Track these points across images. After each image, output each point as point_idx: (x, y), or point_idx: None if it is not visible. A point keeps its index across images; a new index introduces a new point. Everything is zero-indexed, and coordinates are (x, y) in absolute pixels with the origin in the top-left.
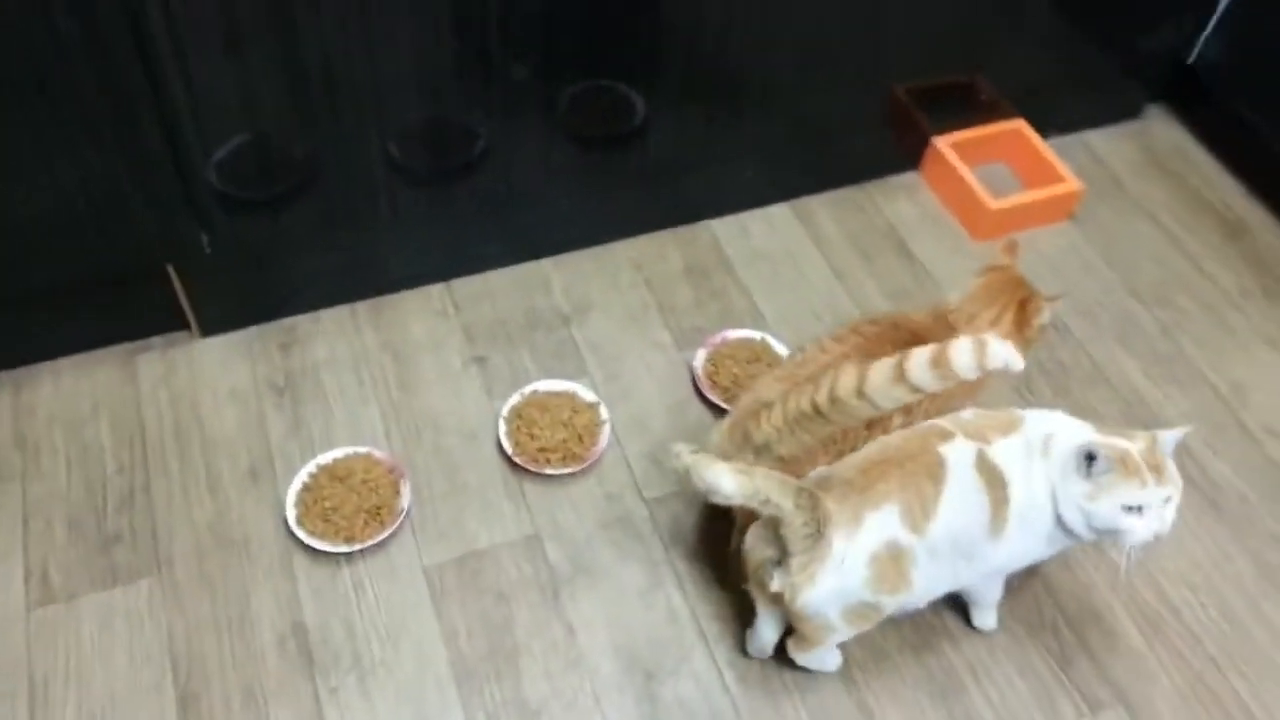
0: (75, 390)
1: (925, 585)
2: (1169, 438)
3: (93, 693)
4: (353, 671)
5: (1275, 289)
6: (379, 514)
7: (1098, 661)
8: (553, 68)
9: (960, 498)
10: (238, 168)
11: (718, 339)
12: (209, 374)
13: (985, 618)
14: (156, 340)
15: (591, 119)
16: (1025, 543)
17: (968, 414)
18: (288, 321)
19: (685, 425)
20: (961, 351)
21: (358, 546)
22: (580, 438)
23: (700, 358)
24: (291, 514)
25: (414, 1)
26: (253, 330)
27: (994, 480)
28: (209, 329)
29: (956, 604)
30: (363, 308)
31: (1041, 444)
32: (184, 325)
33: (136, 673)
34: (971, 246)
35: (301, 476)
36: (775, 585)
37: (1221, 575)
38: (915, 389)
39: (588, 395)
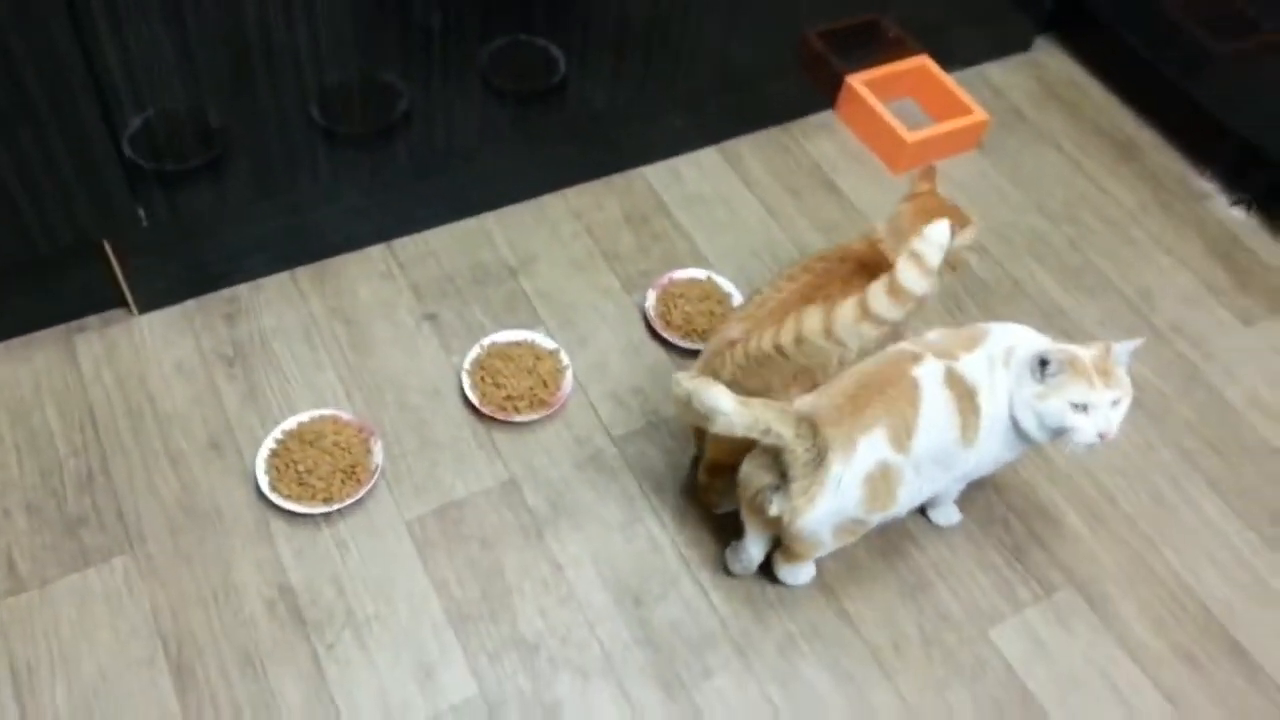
0: (14, 376)
1: (908, 498)
2: (1122, 348)
3: (81, 674)
4: (347, 627)
5: (1169, 202)
6: (354, 473)
7: (1048, 549)
8: (470, 23)
9: (935, 414)
10: (166, 138)
11: (665, 280)
12: (153, 350)
13: (948, 513)
14: (93, 320)
15: (515, 74)
16: (994, 448)
17: (934, 335)
18: (228, 292)
19: (643, 365)
20: (906, 270)
21: (337, 506)
22: (545, 383)
23: (651, 299)
24: (264, 480)
25: None
26: (192, 304)
27: (963, 393)
28: (147, 305)
29: (918, 509)
30: (304, 273)
31: (1004, 356)
32: (121, 302)
33: (125, 649)
34: (891, 179)
35: (268, 443)
36: (774, 510)
37: (1147, 462)
38: (880, 320)
39: (546, 343)
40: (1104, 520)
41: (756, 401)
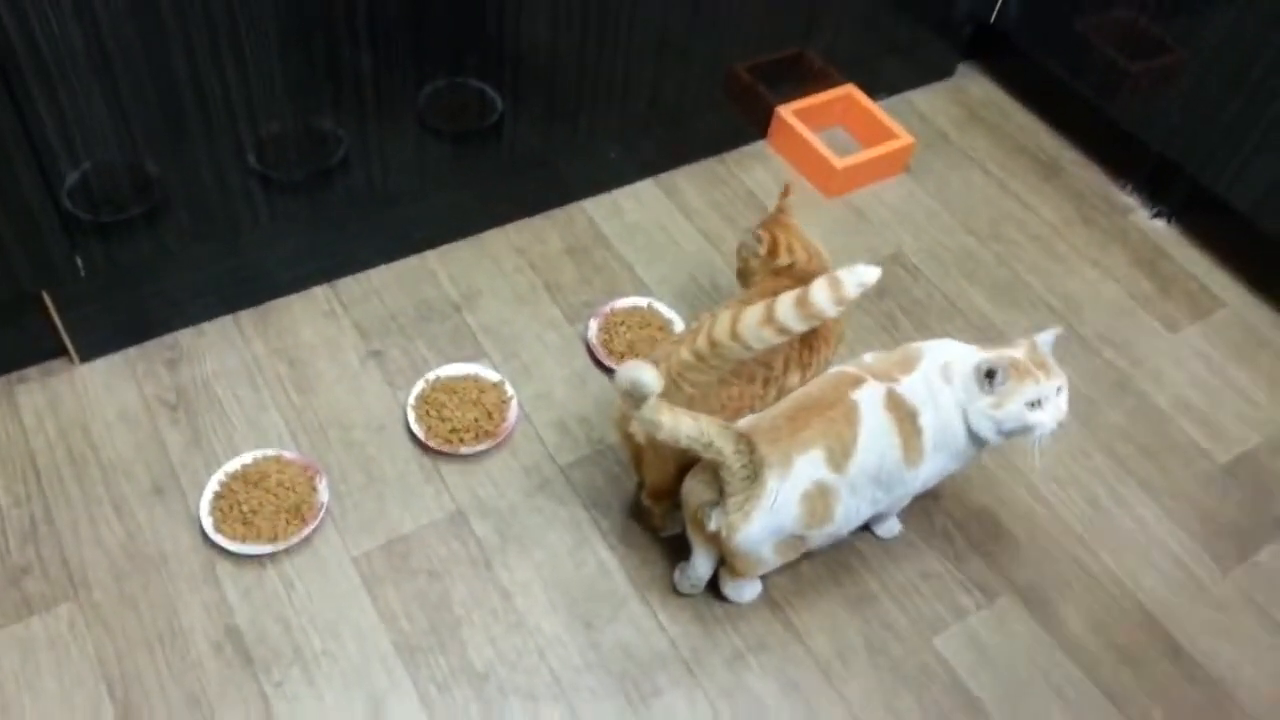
0: None
1: (846, 517)
2: (1044, 338)
3: None
4: (295, 664)
5: (1093, 216)
6: (299, 511)
7: (988, 557)
8: (404, 66)
9: (875, 437)
10: (103, 189)
11: (606, 309)
12: (95, 399)
13: (890, 526)
14: (33, 370)
15: (451, 115)
16: (941, 463)
17: (869, 357)
18: (169, 338)
19: (588, 393)
20: (820, 290)
21: (283, 545)
22: (490, 415)
23: (593, 328)
24: (208, 522)
25: (256, 14)
26: (134, 350)
27: (904, 415)
28: (88, 354)
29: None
30: (246, 316)
31: (941, 373)
32: (62, 352)
33: (69, 698)
34: (825, 203)
35: (212, 485)
36: (712, 525)
37: (1082, 469)
38: (782, 329)
39: (491, 375)
40: (1042, 526)
41: (703, 415)
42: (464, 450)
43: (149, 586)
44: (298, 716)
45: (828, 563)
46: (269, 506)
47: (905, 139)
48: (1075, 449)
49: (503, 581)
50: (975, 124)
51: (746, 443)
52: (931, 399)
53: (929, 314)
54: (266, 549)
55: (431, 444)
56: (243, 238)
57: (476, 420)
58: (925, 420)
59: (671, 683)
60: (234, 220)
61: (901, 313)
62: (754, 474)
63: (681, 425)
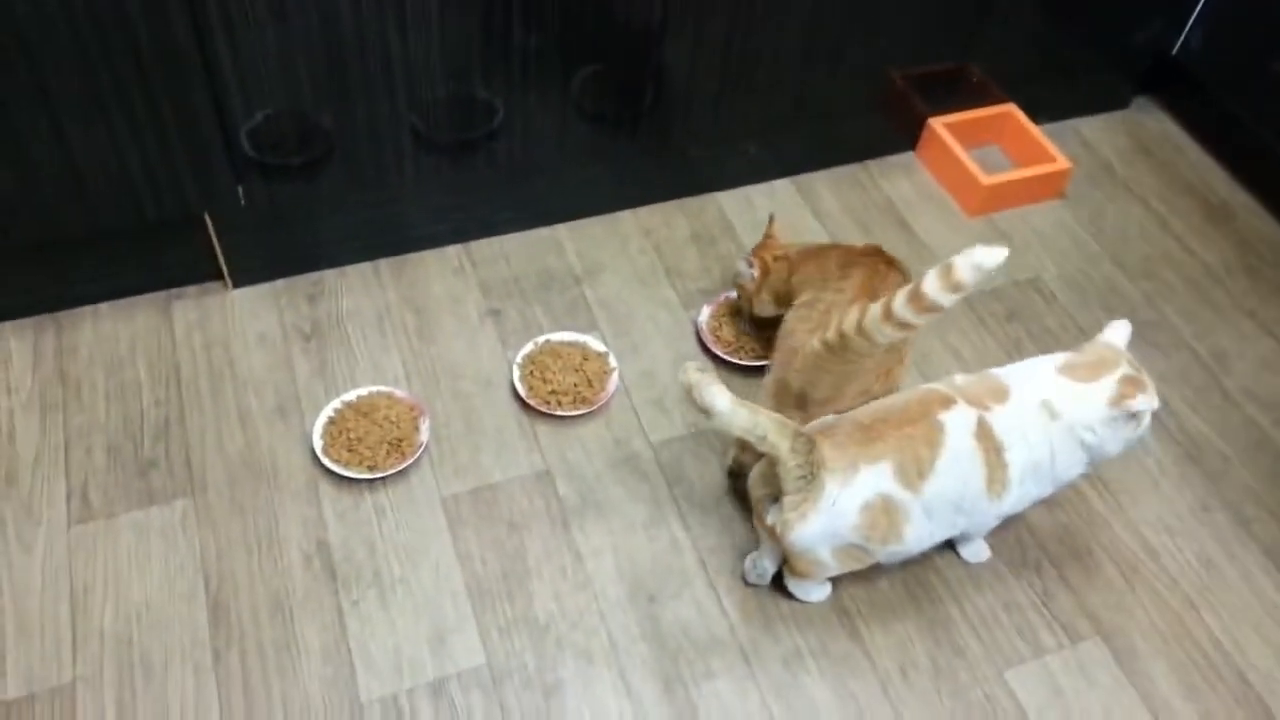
0: (114, 332)
1: (917, 537)
2: (1121, 335)
3: (130, 598)
4: (373, 586)
5: (1258, 267)
6: (400, 446)
7: (1078, 596)
8: (563, 50)
9: (958, 462)
10: (273, 129)
11: (721, 298)
12: (240, 321)
13: (977, 550)
14: (191, 289)
15: (599, 97)
16: (1029, 492)
17: (960, 379)
18: (315, 275)
19: None
20: (931, 280)
21: (380, 474)
22: (590, 382)
23: (705, 315)
24: (318, 444)
25: None
26: (281, 282)
27: (990, 446)
28: (240, 280)
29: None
30: (385, 264)
31: (1042, 410)
32: (217, 276)
33: (171, 582)
34: (966, 221)
35: (327, 411)
36: (769, 519)
37: (1199, 523)
38: (901, 323)
39: (598, 345)
40: (1142, 575)
41: (762, 410)
42: (560, 412)
43: (257, 494)
44: (367, 634)
45: (905, 579)
46: (374, 436)
47: (1062, 163)
48: (1195, 502)
49: (576, 543)
50: (1143, 157)
51: (805, 441)
52: (1023, 435)
53: (1058, 344)
54: (365, 475)
55: (531, 403)
56: (392, 191)
57: (576, 386)
58: (1012, 456)
59: (725, 668)
60: (387, 175)
61: (1029, 339)
62: (811, 474)
63: (738, 416)
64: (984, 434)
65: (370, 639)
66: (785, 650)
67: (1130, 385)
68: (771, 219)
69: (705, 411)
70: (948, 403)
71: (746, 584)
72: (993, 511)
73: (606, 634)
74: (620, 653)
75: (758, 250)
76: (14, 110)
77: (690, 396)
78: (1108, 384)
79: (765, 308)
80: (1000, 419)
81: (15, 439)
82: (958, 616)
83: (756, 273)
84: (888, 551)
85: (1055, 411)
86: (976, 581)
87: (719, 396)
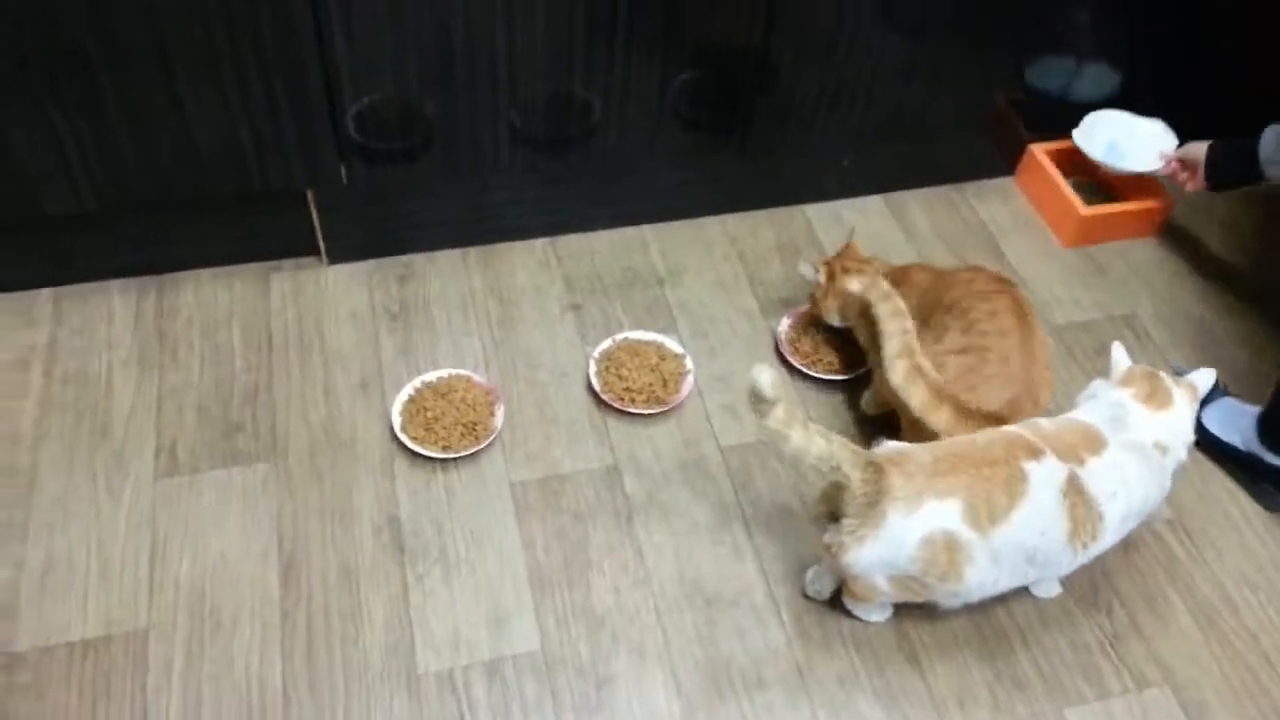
0: (214, 298)
1: (980, 582)
2: (1204, 382)
3: (207, 552)
4: (439, 564)
5: None
6: (474, 429)
7: (1149, 643)
8: (663, 54)
9: (1038, 515)
10: (379, 114)
11: (802, 309)
12: (332, 296)
13: (1049, 586)
14: (288, 263)
15: (696, 103)
16: (1117, 538)
17: (1047, 424)
18: (406, 258)
19: None
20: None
21: (453, 455)
22: (665, 383)
23: (784, 325)
24: (397, 421)
25: None
26: (373, 263)
27: (1083, 501)
28: (336, 257)
29: None
30: (474, 253)
31: (1155, 451)
32: (314, 252)
33: (246, 540)
34: (1060, 250)
35: (408, 390)
36: (826, 538)
37: None
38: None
39: (675, 346)
40: (1219, 627)
41: (837, 438)
42: (633, 410)
43: (335, 464)
44: (429, 609)
45: (971, 608)
46: (449, 417)
47: (1165, 199)
48: None
49: (639, 539)
50: (1245, 197)
51: (875, 469)
52: (1124, 482)
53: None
54: (439, 455)
55: (605, 398)
56: (486, 182)
57: (650, 385)
58: (1112, 508)
59: (778, 679)
60: (481, 165)
61: None
62: (874, 501)
63: (813, 445)
64: (1074, 489)
65: (432, 614)
66: (841, 668)
67: (1193, 397)
68: (852, 232)
69: (776, 439)
70: (1035, 452)
71: (805, 597)
72: (1071, 563)
73: (662, 633)
74: (674, 653)
75: (829, 259)
76: (136, 74)
77: (757, 416)
78: (1184, 407)
79: (832, 316)
80: (1098, 472)
81: (113, 392)
82: (1021, 650)
83: (821, 278)
84: (946, 590)
85: (1165, 447)
86: (1044, 617)
87: (794, 430)
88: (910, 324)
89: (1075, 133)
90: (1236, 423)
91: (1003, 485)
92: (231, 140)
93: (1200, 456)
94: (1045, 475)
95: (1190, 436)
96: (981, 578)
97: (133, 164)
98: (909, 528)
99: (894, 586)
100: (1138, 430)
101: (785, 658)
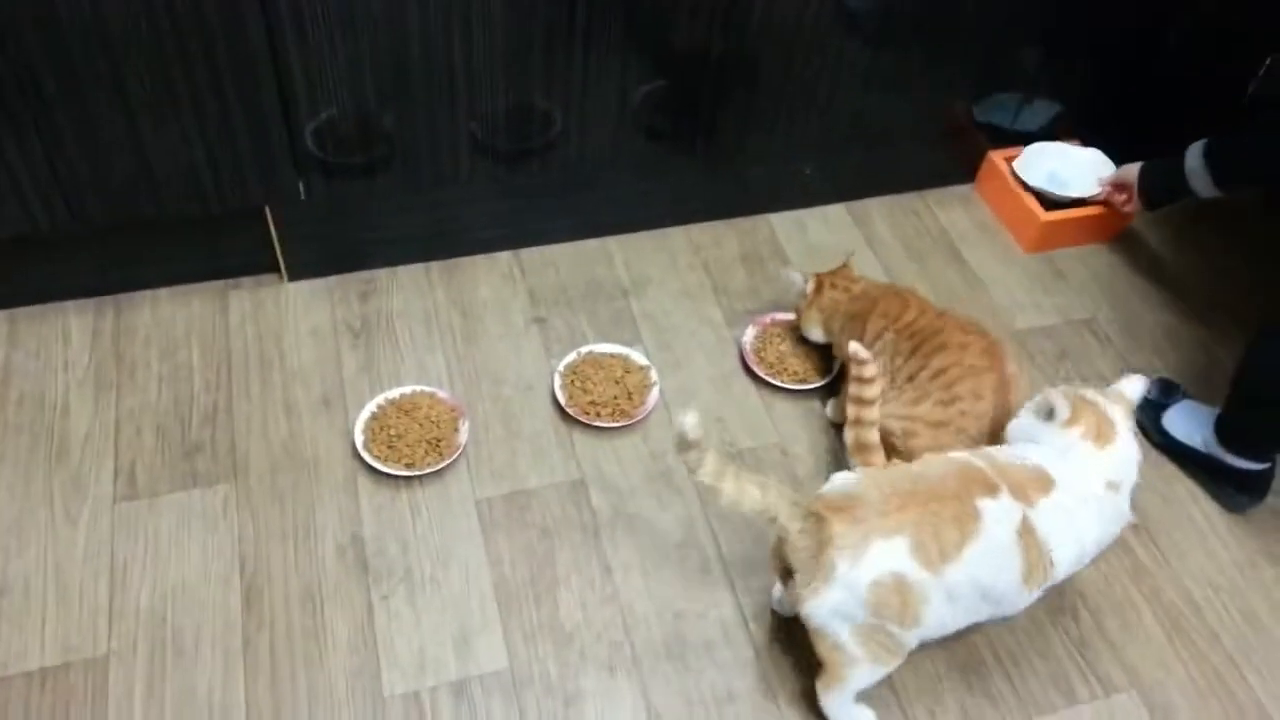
0: (171, 317)
1: (940, 622)
2: (1134, 391)
3: (167, 578)
4: (404, 583)
5: None
6: (439, 446)
7: (1115, 648)
8: (623, 64)
9: (993, 555)
10: (337, 129)
11: (767, 319)
12: (293, 313)
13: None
14: (248, 280)
15: (656, 112)
16: (1070, 571)
17: (1001, 456)
18: (367, 274)
19: (731, 396)
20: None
21: (417, 472)
22: (630, 395)
23: (749, 335)
24: (359, 439)
25: None
26: (334, 279)
27: (1035, 543)
28: (296, 274)
29: None
30: (436, 267)
31: (1108, 491)
32: (274, 269)
33: (207, 565)
34: (1021, 256)
35: (370, 407)
36: (787, 591)
37: (1247, 580)
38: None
39: (640, 359)
40: (1184, 629)
41: (773, 487)
42: (598, 423)
43: (297, 484)
44: (394, 630)
45: None
46: (413, 434)
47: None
48: (1243, 558)
49: (606, 554)
50: (1210, 206)
51: (815, 519)
52: (1072, 524)
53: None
54: (403, 472)
55: (570, 411)
56: (447, 195)
57: (616, 398)
58: (1061, 554)
59: (747, 692)
60: (443, 178)
61: (1079, 380)
62: (817, 552)
63: (745, 498)
64: (1028, 530)
65: (397, 635)
66: (810, 682)
67: (1128, 411)
68: (850, 255)
69: (709, 494)
70: (992, 489)
71: (774, 612)
72: (1026, 600)
73: (630, 648)
74: (643, 668)
75: (822, 274)
76: (89, 97)
77: (694, 478)
78: (1127, 433)
79: (813, 330)
80: (1046, 515)
81: (69, 414)
82: (990, 660)
83: (809, 288)
84: (909, 633)
85: (1118, 484)
86: (1012, 628)
87: (726, 481)
88: (873, 391)
89: (1016, 163)
90: (1196, 425)
91: (954, 521)
92: (187, 160)
93: (1162, 459)
94: (1000, 514)
95: (1138, 456)
96: (938, 616)
97: (87, 186)
98: (857, 575)
99: (860, 643)
100: (1090, 472)
101: (754, 671)
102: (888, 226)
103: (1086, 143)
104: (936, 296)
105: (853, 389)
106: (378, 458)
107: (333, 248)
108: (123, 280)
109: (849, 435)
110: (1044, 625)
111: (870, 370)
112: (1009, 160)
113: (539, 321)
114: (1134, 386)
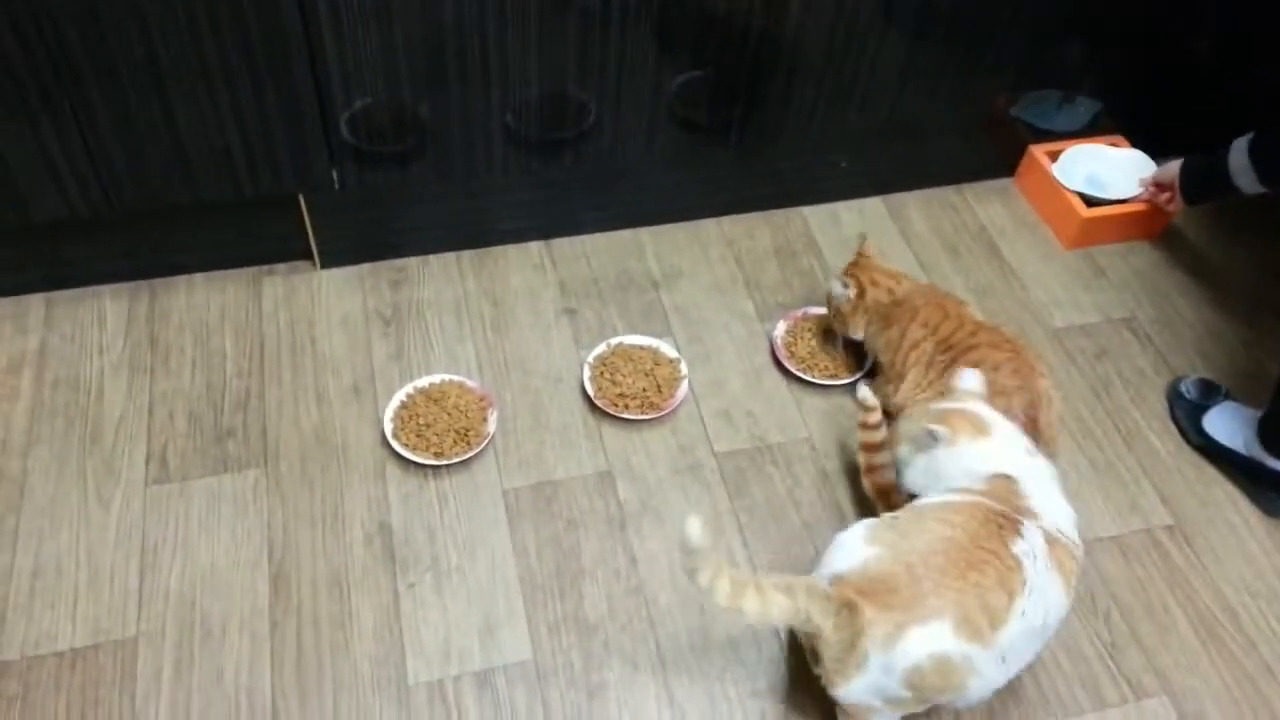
0: (206, 302)
1: (984, 684)
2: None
3: (196, 561)
4: (430, 571)
5: None
6: (467, 435)
7: (1147, 652)
8: (660, 55)
9: (1039, 594)
10: (371, 117)
11: (799, 313)
12: (325, 301)
13: None
14: (281, 267)
15: (692, 104)
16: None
17: (999, 482)
18: (399, 262)
19: (761, 390)
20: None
21: (445, 462)
22: (659, 388)
23: (780, 329)
24: (388, 427)
25: None
26: (366, 266)
27: (1060, 549)
28: (328, 261)
29: None
30: (468, 256)
31: (1031, 456)
32: (307, 256)
33: (237, 549)
34: (1061, 253)
35: (400, 396)
36: (816, 669)
37: None
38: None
39: (670, 351)
40: (1219, 636)
41: (802, 588)
42: (627, 415)
43: (327, 471)
44: (419, 618)
45: None
46: (442, 424)
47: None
48: None
49: (633, 547)
50: (1255, 203)
51: (848, 610)
52: (1051, 499)
53: (1150, 387)
54: (431, 461)
55: (599, 403)
56: (480, 185)
57: (645, 390)
58: (1067, 527)
59: (770, 689)
60: (475, 168)
61: (1119, 380)
62: (853, 643)
63: (773, 608)
64: (1052, 541)
65: (422, 623)
66: None
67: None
68: (863, 239)
69: (732, 614)
70: (1014, 525)
71: None
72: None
73: (655, 642)
74: (668, 662)
75: (852, 270)
76: (126, 83)
77: (713, 601)
78: (990, 411)
79: (858, 331)
80: (1046, 515)
81: (103, 398)
82: None
83: (853, 293)
84: (947, 699)
85: (1030, 450)
86: None
87: (747, 596)
88: (879, 435)
89: (1054, 169)
90: (1238, 427)
91: (998, 584)
92: (222, 147)
93: (1201, 461)
94: (1032, 548)
95: (1010, 423)
96: (987, 681)
97: (124, 172)
98: (892, 661)
99: (891, 707)
100: (1018, 456)
101: (780, 667)
102: (924, 220)
103: (1129, 140)
104: (973, 294)
105: (861, 436)
106: (406, 446)
107: (365, 236)
108: (157, 265)
109: (866, 484)
110: (1074, 627)
111: (875, 417)
112: (1050, 155)
113: (569, 312)
114: (966, 379)
